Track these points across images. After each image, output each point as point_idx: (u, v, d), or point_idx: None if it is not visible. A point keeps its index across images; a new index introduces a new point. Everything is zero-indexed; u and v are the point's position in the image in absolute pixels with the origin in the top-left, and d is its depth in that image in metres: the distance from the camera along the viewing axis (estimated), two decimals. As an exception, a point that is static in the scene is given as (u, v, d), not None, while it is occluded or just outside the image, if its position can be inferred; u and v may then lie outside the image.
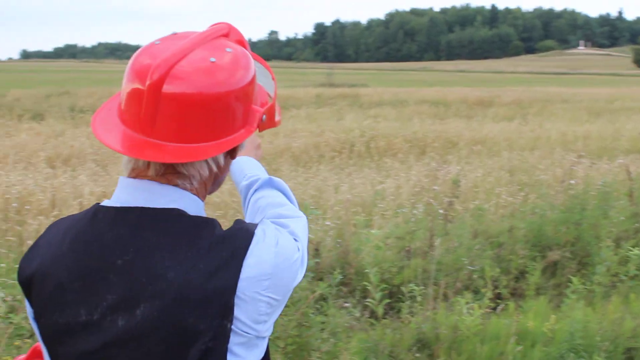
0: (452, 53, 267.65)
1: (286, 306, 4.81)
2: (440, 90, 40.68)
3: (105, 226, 1.42)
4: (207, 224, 1.42)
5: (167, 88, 1.34)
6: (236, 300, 1.35)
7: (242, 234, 1.41)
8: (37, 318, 1.48)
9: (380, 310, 5.27)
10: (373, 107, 27.75)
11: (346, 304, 5.63)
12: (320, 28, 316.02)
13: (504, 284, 6.32)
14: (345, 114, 22.90)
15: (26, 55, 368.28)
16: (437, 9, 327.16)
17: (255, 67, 1.53)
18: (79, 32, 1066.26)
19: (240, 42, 1.53)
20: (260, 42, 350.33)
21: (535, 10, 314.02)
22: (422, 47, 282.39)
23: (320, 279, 5.46)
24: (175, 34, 1.50)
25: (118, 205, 1.44)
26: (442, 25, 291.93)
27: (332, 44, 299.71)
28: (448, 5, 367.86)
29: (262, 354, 1.46)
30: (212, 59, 1.40)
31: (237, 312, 1.35)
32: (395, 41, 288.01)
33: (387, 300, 5.44)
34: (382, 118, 21.96)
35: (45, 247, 1.49)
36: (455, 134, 17.30)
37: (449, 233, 6.93)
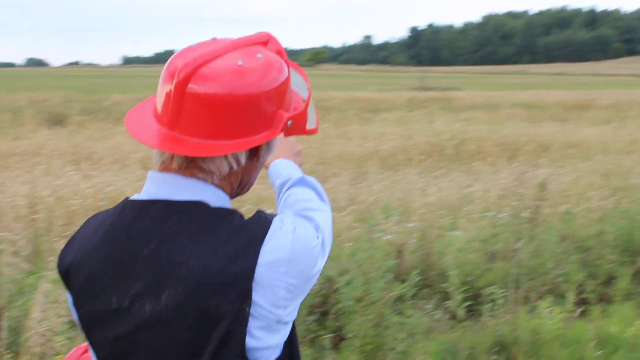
0: (550, 55, 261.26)
1: (364, 306, 4.85)
2: (535, 94, 39.97)
3: (132, 219, 1.51)
4: (227, 214, 1.48)
5: (191, 87, 1.42)
6: (254, 285, 1.40)
7: (261, 222, 1.47)
8: (76, 306, 1.57)
9: (460, 312, 5.25)
10: (465, 110, 27.44)
11: (426, 306, 5.62)
12: (414, 32, 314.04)
13: (591, 288, 6.18)
14: (436, 117, 22.68)
15: (127, 61, 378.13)
16: (534, 11, 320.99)
17: (292, 75, 1.58)
18: (177, 37, 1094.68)
19: (279, 52, 1.57)
20: (355, 46, 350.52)
21: (638, 11, 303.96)
22: (519, 50, 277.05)
23: (403, 281, 5.46)
24: (214, 39, 1.55)
25: (145, 198, 1.53)
26: (539, 28, 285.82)
27: (427, 48, 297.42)
28: (545, 7, 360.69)
29: (284, 338, 1.51)
30: (240, 62, 1.45)
31: (256, 296, 1.41)
32: (491, 44, 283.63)
33: (468, 303, 5.41)
34: (474, 121, 21.68)
35: (81, 239, 1.58)
36: (548, 138, 16.91)
37: (536, 237, 6.82)
